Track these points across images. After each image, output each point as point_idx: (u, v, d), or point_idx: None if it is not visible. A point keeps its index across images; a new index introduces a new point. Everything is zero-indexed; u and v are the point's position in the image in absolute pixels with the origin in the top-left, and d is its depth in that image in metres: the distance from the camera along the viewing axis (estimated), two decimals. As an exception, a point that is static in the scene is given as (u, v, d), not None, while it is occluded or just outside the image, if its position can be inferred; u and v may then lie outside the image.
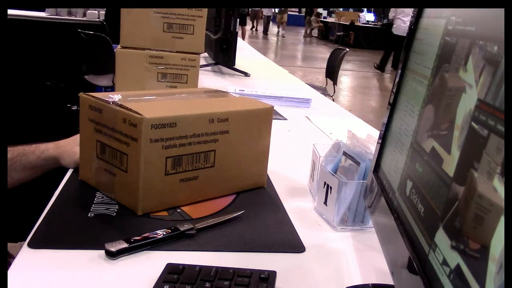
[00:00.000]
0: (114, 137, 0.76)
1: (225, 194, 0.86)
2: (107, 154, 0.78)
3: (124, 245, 0.64)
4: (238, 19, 2.06)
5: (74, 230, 0.70)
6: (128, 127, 0.73)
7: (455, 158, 0.39)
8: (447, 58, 0.46)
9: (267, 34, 18.07)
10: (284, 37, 17.32)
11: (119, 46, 1.32)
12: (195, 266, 0.60)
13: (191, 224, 0.71)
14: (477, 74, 0.37)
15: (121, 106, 0.75)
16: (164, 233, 0.68)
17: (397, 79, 0.62)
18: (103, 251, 0.64)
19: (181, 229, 0.70)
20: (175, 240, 0.69)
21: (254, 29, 19.52)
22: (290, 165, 1.06)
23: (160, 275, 0.59)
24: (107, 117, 0.77)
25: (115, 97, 0.80)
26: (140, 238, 0.66)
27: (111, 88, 3.06)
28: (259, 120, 0.88)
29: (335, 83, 4.24)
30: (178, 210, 0.79)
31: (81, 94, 0.82)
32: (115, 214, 0.76)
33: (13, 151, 0.91)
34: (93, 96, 0.80)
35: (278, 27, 18.08)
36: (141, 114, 0.71)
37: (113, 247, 0.63)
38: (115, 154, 0.77)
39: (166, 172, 0.76)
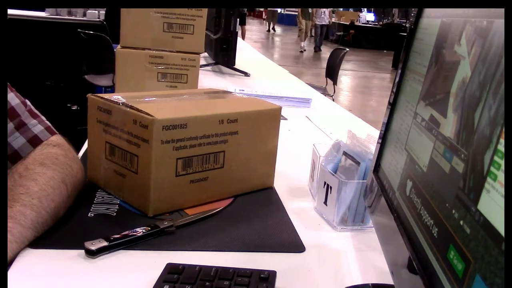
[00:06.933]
0: (123, 138, 0.76)
1: (233, 195, 0.86)
2: (117, 156, 0.78)
3: (104, 243, 0.64)
4: (238, 19, 2.06)
5: (74, 230, 0.70)
6: (139, 129, 0.72)
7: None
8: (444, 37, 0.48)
9: (321, 50, 13.06)
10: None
11: (119, 46, 1.32)
12: (195, 266, 0.60)
13: (171, 221, 0.72)
14: (469, 47, 0.40)
15: (131, 107, 0.74)
16: (144, 230, 0.68)
17: (397, 79, 0.62)
18: (103, 251, 0.64)
19: (161, 227, 0.70)
20: (156, 237, 0.69)
21: (271, 29, 16.95)
22: (290, 165, 1.06)
23: (160, 275, 0.59)
24: (117, 118, 0.77)
25: (120, 98, 0.79)
26: (119, 236, 0.66)
27: (111, 88, 3.06)
28: (267, 120, 0.88)
29: (335, 83, 4.24)
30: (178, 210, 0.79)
31: (89, 95, 0.82)
32: (115, 214, 0.76)
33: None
34: (102, 97, 0.80)
35: (303, 39, 13.05)
36: (152, 116, 0.71)
37: (93, 245, 0.63)
38: (125, 156, 0.76)
39: (176, 174, 0.76)
